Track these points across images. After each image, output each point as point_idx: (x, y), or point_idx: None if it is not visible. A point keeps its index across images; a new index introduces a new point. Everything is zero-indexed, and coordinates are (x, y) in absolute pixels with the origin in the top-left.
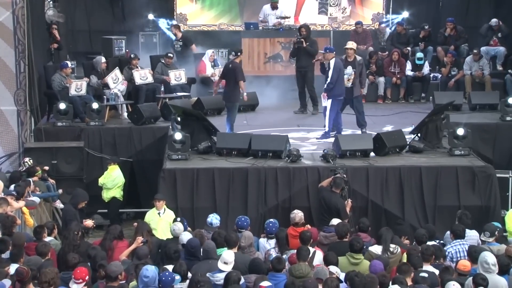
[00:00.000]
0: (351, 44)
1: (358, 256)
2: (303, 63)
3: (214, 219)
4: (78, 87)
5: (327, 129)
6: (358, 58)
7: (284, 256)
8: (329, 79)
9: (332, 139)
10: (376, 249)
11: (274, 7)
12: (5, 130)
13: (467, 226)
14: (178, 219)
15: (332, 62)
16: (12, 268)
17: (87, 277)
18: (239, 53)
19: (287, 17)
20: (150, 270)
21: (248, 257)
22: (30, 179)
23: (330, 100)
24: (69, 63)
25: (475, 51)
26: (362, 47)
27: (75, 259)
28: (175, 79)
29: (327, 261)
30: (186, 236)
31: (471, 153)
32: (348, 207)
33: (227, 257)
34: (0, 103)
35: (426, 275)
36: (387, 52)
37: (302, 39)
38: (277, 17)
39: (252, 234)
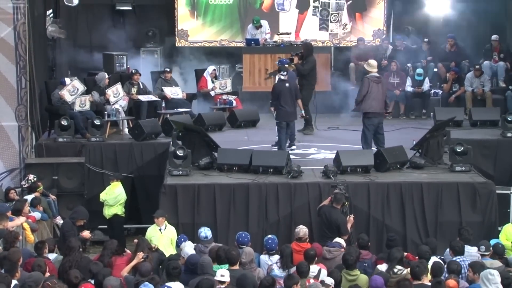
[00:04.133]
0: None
1: (353, 272)
2: (298, 81)
3: (207, 231)
4: (82, 102)
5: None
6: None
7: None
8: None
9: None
10: (384, 268)
11: (258, 27)
12: (6, 145)
13: (468, 242)
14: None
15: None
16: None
17: None
18: (286, 72)
19: (287, 33)
20: (149, 286)
21: (247, 272)
22: (27, 198)
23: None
24: (68, 79)
25: (476, 67)
26: (363, 63)
27: (77, 278)
28: (171, 94)
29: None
30: (188, 249)
31: (472, 169)
32: (350, 223)
33: (223, 276)
34: (1, 119)
35: None
36: (386, 62)
37: (293, 57)
38: (277, 34)
39: (253, 250)
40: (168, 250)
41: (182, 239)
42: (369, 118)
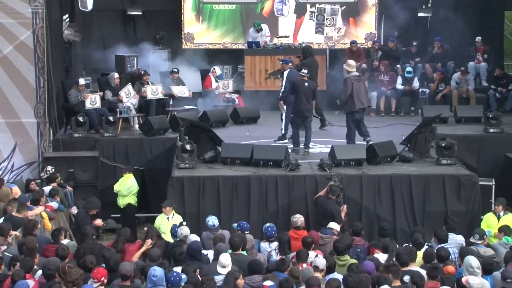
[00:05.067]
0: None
1: (344, 258)
2: None
3: (214, 220)
4: (92, 100)
5: (283, 131)
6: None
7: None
8: (282, 88)
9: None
10: (382, 257)
11: (259, 30)
12: (25, 140)
13: (453, 230)
14: (184, 223)
15: (285, 73)
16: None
17: (103, 278)
18: (308, 72)
19: (286, 36)
20: (158, 270)
21: (247, 257)
22: (44, 189)
23: (285, 107)
24: (82, 80)
25: (462, 68)
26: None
27: (93, 263)
28: (178, 92)
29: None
30: (194, 238)
31: (457, 162)
32: (344, 212)
33: (224, 261)
34: (21, 116)
35: (408, 277)
36: (377, 63)
37: (295, 59)
38: (276, 37)
39: (254, 237)
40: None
41: (176, 228)
42: (353, 115)
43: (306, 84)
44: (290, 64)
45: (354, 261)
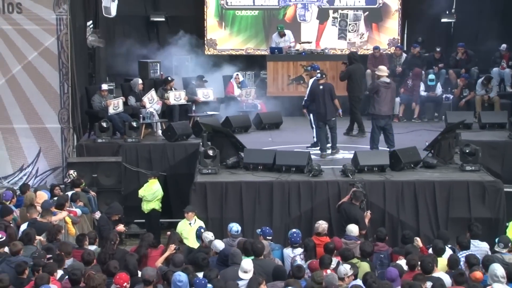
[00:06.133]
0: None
1: (353, 261)
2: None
3: (238, 226)
4: (115, 105)
5: (315, 139)
6: None
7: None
8: (306, 96)
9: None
10: (403, 263)
11: (282, 35)
12: (50, 146)
13: (477, 237)
14: (202, 230)
15: (311, 80)
16: (59, 273)
17: (125, 284)
18: (324, 75)
19: (309, 42)
20: (183, 275)
21: (271, 262)
22: (68, 194)
23: (311, 115)
24: (105, 85)
25: (484, 82)
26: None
27: (116, 268)
28: (203, 97)
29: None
30: (218, 243)
31: (481, 168)
32: (367, 218)
33: (246, 266)
34: (46, 121)
35: (430, 284)
36: (400, 69)
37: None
38: (299, 43)
39: (277, 243)
40: (197, 242)
41: (202, 229)
42: (377, 120)
43: (321, 87)
44: (318, 71)
45: (365, 264)
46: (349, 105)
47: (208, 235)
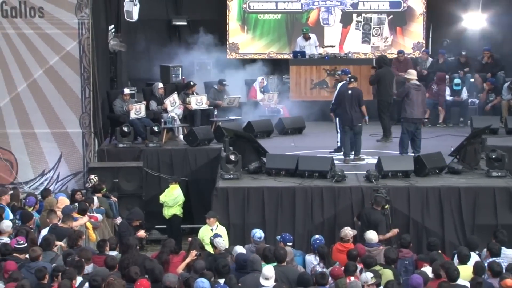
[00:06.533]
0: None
1: (376, 268)
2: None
3: (261, 233)
4: (137, 110)
5: (339, 144)
6: None
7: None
8: (333, 100)
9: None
10: (428, 270)
11: (307, 38)
12: (71, 151)
13: (503, 244)
14: (212, 237)
15: (339, 85)
16: (79, 280)
17: None
18: (352, 79)
19: (332, 46)
20: (205, 282)
21: (294, 269)
22: (94, 197)
23: (337, 119)
24: (127, 89)
25: (511, 86)
26: (403, 74)
27: (137, 274)
28: (228, 103)
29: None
30: (239, 249)
31: (508, 174)
32: (393, 234)
33: (268, 273)
34: (67, 126)
35: None
36: (425, 72)
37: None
38: (322, 47)
39: (299, 249)
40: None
41: (213, 237)
42: (408, 123)
43: (350, 91)
44: (349, 75)
45: (388, 271)
46: (377, 110)
47: (220, 241)
